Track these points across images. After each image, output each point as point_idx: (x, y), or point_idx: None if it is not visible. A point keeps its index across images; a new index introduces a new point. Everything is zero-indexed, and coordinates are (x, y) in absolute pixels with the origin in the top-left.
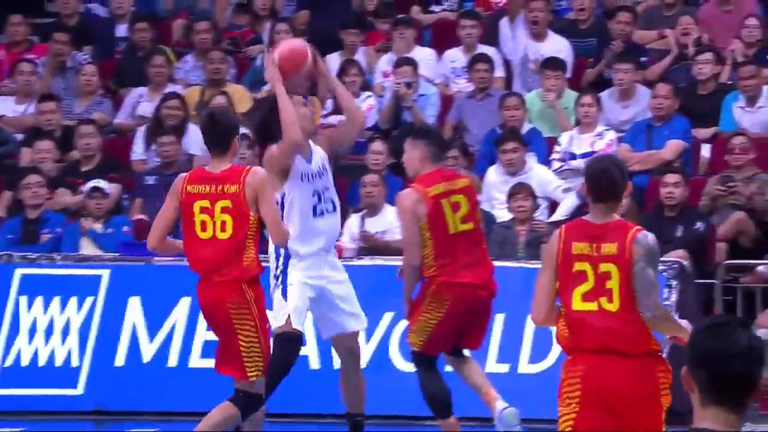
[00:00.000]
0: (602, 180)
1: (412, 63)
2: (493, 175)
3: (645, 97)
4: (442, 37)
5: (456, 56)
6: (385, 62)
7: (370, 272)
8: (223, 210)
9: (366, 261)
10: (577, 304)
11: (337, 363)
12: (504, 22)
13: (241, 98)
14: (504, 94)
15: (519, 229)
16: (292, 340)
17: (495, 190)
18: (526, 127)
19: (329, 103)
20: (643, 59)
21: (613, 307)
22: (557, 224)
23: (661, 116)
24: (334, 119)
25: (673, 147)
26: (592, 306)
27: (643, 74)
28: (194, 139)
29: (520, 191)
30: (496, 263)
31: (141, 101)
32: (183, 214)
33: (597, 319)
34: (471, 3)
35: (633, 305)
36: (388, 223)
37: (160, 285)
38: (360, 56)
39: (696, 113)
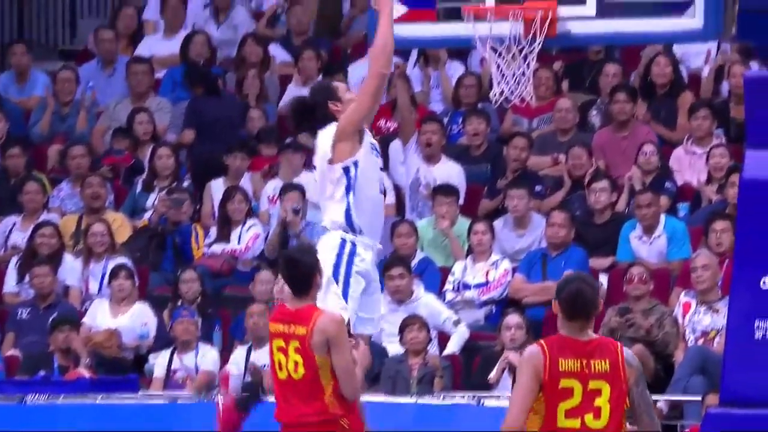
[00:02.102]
0: (577, 300)
1: (300, 189)
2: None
3: (540, 225)
4: None
5: None
6: (271, 188)
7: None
8: (296, 350)
9: None
10: (561, 420)
11: None
12: (395, 146)
13: (121, 226)
14: (395, 221)
15: (412, 362)
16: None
17: (384, 322)
18: (418, 256)
19: None
20: (537, 187)
21: (600, 423)
22: (450, 358)
23: (557, 245)
24: None
25: None
26: (574, 423)
27: (538, 202)
28: (70, 270)
29: (412, 322)
30: (389, 399)
31: (13, 230)
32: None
33: None
34: None
35: (619, 422)
36: None
37: (34, 426)
38: (245, 182)
39: (592, 242)
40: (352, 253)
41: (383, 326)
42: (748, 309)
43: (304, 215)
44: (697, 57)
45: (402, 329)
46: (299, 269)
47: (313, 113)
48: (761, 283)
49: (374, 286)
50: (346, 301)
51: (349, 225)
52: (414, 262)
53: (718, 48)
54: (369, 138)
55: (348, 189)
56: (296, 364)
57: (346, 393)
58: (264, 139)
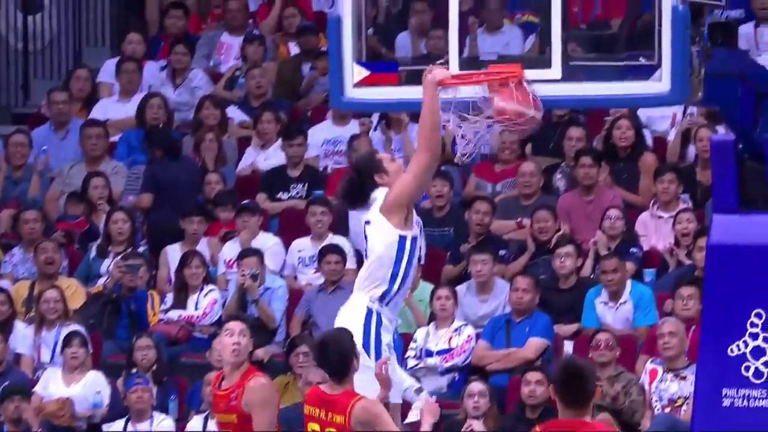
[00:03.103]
0: (571, 386)
1: (258, 253)
2: None
3: (504, 290)
4: (290, 227)
5: (304, 245)
6: (228, 253)
7: None
8: None
9: None
10: None
11: None
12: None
13: (74, 293)
14: None
15: None
16: None
17: None
18: None
19: None
20: (502, 252)
21: None
22: (412, 425)
23: (522, 311)
24: None
25: (534, 345)
26: None
27: (502, 267)
28: (22, 337)
29: None
30: None
31: None
32: None
33: None
34: (320, 191)
35: None
36: None
37: None
38: (202, 247)
39: (557, 308)
40: (379, 324)
41: None
42: (715, 376)
43: (262, 281)
44: (663, 120)
45: None
46: (336, 354)
47: (363, 190)
48: (729, 350)
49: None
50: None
51: (385, 294)
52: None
53: (685, 111)
54: (415, 218)
55: (399, 259)
56: None
57: None
58: (221, 203)
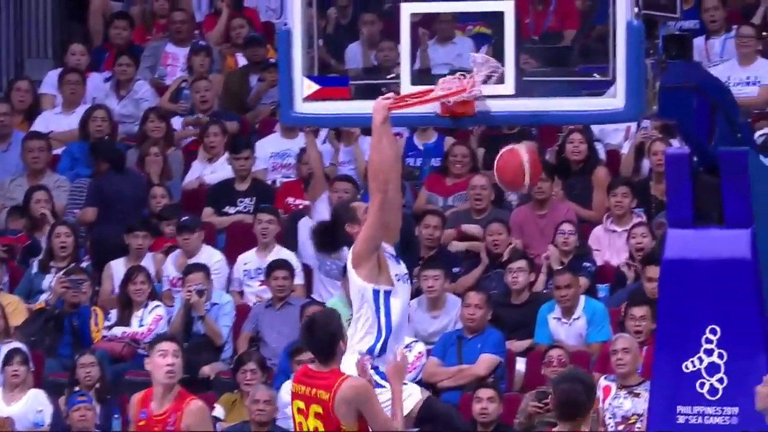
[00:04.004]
0: (568, 400)
1: (204, 269)
2: (290, 391)
3: (455, 306)
4: (237, 241)
5: (249, 257)
6: (172, 270)
7: None
8: (316, 415)
9: None
10: None
11: None
12: (304, 223)
13: (15, 309)
14: (304, 303)
15: None
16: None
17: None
18: None
19: None
20: (455, 269)
21: None
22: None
23: (473, 327)
24: None
25: (486, 361)
26: None
27: (453, 283)
28: None
29: None
30: None
31: None
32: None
33: None
34: (268, 204)
35: None
36: None
37: None
38: (147, 262)
39: (510, 324)
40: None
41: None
42: (670, 393)
43: (208, 297)
44: (617, 134)
45: None
46: (323, 335)
47: (333, 236)
48: (683, 366)
49: None
50: None
51: (371, 349)
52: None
53: (639, 124)
54: (396, 269)
55: (377, 313)
56: (316, 429)
57: None
58: (167, 218)
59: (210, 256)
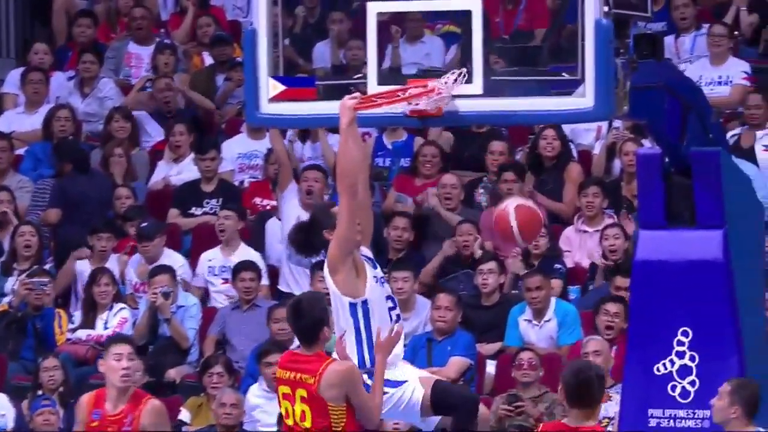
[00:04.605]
0: (581, 388)
1: (170, 271)
2: (257, 394)
3: (425, 308)
4: (203, 243)
5: (213, 255)
6: (134, 275)
7: None
8: (302, 399)
9: None
10: None
11: None
12: (272, 224)
13: None
14: (272, 305)
15: None
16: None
17: (261, 412)
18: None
19: None
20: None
21: None
22: None
23: (443, 330)
24: None
25: (456, 364)
26: None
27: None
28: None
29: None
30: None
31: None
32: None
33: None
34: (236, 204)
35: None
36: None
37: None
38: (112, 264)
39: (480, 326)
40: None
41: (259, 416)
42: (641, 396)
43: (174, 299)
44: (588, 134)
45: (280, 420)
46: (307, 319)
47: (310, 239)
48: (655, 369)
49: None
50: None
51: (361, 364)
52: (293, 348)
53: (610, 125)
54: (373, 272)
55: (357, 325)
56: (303, 413)
57: (368, 426)
58: (132, 219)
59: (173, 261)
